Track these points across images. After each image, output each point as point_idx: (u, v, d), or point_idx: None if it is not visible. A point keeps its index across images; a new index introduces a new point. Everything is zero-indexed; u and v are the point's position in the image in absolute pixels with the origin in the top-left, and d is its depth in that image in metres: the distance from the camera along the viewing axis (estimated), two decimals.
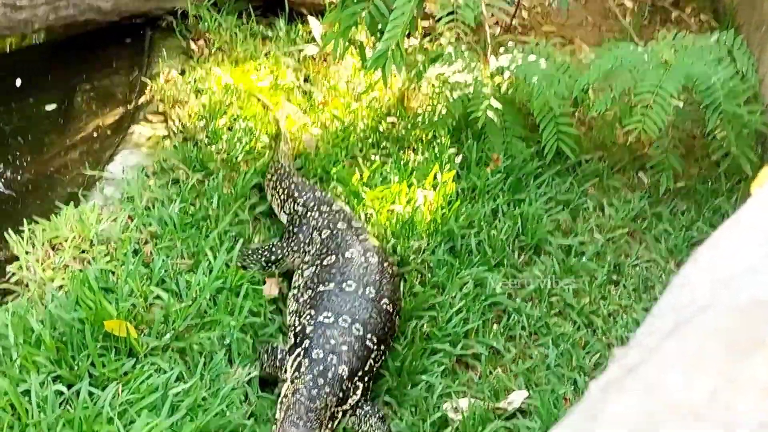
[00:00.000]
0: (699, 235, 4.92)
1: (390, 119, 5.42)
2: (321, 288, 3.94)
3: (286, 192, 4.59)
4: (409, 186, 4.83)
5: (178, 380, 3.67)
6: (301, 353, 3.72)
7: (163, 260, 4.14)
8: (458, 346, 4.15)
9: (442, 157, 5.04)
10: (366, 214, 4.66)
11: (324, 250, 4.15)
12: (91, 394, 3.51)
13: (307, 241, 4.28)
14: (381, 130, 5.33)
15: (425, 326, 4.19)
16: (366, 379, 3.74)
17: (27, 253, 4.25)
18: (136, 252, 4.23)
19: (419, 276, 4.45)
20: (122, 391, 3.52)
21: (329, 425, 3.56)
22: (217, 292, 4.04)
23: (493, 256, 4.56)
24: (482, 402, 3.93)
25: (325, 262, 4.07)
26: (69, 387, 3.55)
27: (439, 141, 5.20)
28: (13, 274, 4.20)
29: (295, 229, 4.36)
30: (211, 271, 4.10)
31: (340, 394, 3.62)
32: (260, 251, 4.32)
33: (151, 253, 4.25)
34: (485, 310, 4.34)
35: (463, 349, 4.16)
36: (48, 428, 3.34)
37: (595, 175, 5.26)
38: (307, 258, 4.20)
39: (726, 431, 0.78)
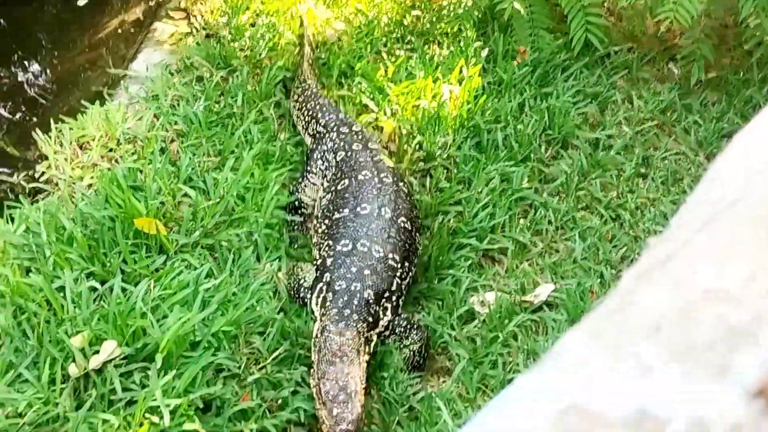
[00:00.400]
0: (730, 126, 4.87)
1: (414, 12, 5.34)
2: (336, 215, 3.87)
3: (310, 113, 4.48)
4: (435, 81, 4.78)
5: (208, 276, 3.71)
6: (324, 288, 3.67)
7: (190, 158, 4.15)
8: (485, 240, 4.17)
9: (468, 50, 4.98)
10: (391, 110, 4.63)
11: (338, 174, 4.07)
12: (123, 290, 3.57)
13: (323, 165, 4.20)
14: (405, 23, 5.25)
15: (452, 221, 4.20)
16: (394, 298, 3.69)
17: (55, 152, 4.27)
18: (162, 150, 4.24)
19: (445, 171, 4.45)
20: (154, 287, 3.57)
21: (366, 350, 3.53)
22: (244, 190, 4.06)
23: (520, 150, 4.54)
24: (508, 295, 3.96)
25: (339, 187, 3.99)
26: (102, 283, 3.60)
27: (464, 34, 5.12)
28: (43, 173, 4.24)
29: (314, 153, 4.28)
30: (237, 169, 4.11)
31: (370, 319, 3.58)
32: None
33: (177, 151, 4.27)
34: (511, 204, 4.34)
35: (489, 244, 4.18)
36: (83, 323, 3.40)
37: (624, 66, 5.18)
38: (325, 184, 4.12)
39: (761, 317, 0.77)
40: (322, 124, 4.37)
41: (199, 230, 3.85)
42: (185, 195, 4.00)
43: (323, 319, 3.56)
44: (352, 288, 3.60)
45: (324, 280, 3.68)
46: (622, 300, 0.83)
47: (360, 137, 4.23)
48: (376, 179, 3.95)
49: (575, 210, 4.39)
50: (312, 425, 3.50)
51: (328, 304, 3.59)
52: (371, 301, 3.59)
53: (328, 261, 3.72)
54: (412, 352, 3.65)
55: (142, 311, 3.45)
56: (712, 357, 0.75)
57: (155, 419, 3.21)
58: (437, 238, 4.08)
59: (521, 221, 4.33)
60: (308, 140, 4.45)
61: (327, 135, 4.28)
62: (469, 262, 4.08)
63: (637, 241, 4.26)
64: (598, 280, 4.06)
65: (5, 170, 4.33)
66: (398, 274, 3.72)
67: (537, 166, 4.56)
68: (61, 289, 3.51)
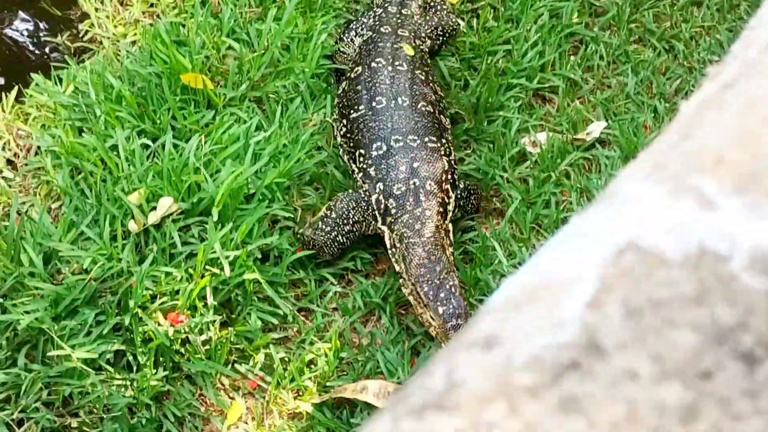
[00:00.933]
0: None
1: None
2: (353, 114, 3.64)
3: None
4: None
5: (257, 129, 3.72)
6: (381, 198, 3.47)
7: (231, 10, 4.09)
8: (534, 79, 4.10)
9: None
10: None
11: (357, 58, 3.85)
12: (175, 146, 3.59)
13: (358, 35, 4.01)
14: None
15: (500, 62, 4.13)
16: (449, 177, 3.53)
17: (97, 9, 4.24)
18: (203, 3, 4.18)
19: (492, 10, 4.34)
20: (205, 141, 3.59)
21: (448, 241, 3.40)
22: (288, 40, 4.01)
23: None
24: (560, 134, 3.92)
25: (353, 75, 3.77)
26: (153, 140, 3.63)
27: None
28: (86, 32, 4.22)
29: (353, 23, 4.09)
30: (280, 19, 4.05)
31: (441, 209, 3.43)
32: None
33: (218, 3, 4.20)
34: (561, 41, 4.24)
35: (539, 83, 4.11)
36: (139, 180, 3.45)
37: None
38: (351, 65, 3.92)
39: None
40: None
41: (245, 83, 3.83)
42: (229, 48, 3.96)
43: (395, 227, 3.39)
44: (411, 186, 3.43)
45: (377, 190, 3.48)
46: (681, 132, 0.80)
47: (398, 20, 3.96)
48: (390, 67, 3.71)
49: (627, 43, 4.28)
50: (368, 272, 3.56)
51: (394, 211, 3.42)
52: (435, 191, 3.43)
53: (371, 171, 3.51)
54: (471, 207, 3.65)
55: (195, 166, 3.48)
56: None
57: (216, 270, 3.28)
58: (485, 79, 4.02)
59: (572, 58, 4.24)
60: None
61: (373, 10, 4.08)
62: (519, 102, 4.03)
63: (692, 72, 4.17)
64: (652, 114, 3.99)
65: (48, 31, 4.31)
66: (442, 152, 3.55)
67: (587, 0, 4.42)
68: (114, 147, 3.55)
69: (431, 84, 3.75)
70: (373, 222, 3.49)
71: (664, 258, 0.70)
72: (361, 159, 3.55)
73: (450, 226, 3.47)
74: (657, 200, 0.74)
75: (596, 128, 3.92)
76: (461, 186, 3.57)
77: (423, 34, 3.97)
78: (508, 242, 3.58)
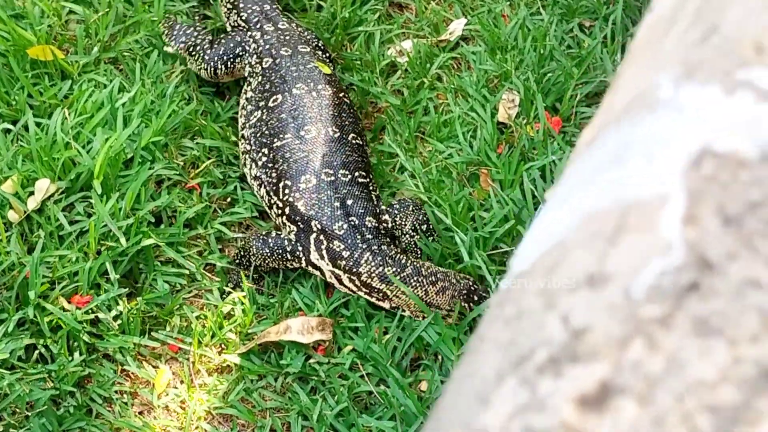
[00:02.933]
0: None
1: None
2: (277, 143, 3.32)
3: (233, 0, 3.80)
4: None
5: (120, 91, 3.57)
6: (322, 239, 3.21)
7: None
8: None
9: None
10: None
11: (267, 86, 3.47)
12: (38, 124, 3.42)
13: (241, 64, 3.65)
14: None
15: None
16: (380, 210, 3.29)
17: None
18: None
19: None
20: (69, 114, 3.43)
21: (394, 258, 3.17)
22: None
23: None
24: (424, 39, 3.91)
25: (271, 104, 3.41)
26: (14, 123, 3.44)
27: None
28: None
29: (231, 42, 3.68)
30: None
31: (388, 239, 3.24)
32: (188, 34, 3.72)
33: None
34: None
35: None
36: (8, 167, 3.28)
37: None
38: (249, 93, 3.53)
39: None
40: (243, 18, 3.72)
41: (96, 46, 3.65)
42: (71, 12, 3.76)
43: (342, 265, 3.17)
44: (351, 223, 3.19)
45: (313, 228, 3.22)
46: (699, 26, 0.79)
47: (288, 38, 3.61)
48: (314, 93, 3.40)
49: None
50: (266, 216, 3.50)
51: (344, 254, 3.16)
52: (373, 225, 3.21)
53: (300, 207, 3.23)
54: (426, 231, 3.34)
55: (65, 142, 3.33)
56: None
57: (111, 244, 3.18)
58: None
59: None
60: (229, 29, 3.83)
61: (249, 32, 3.65)
62: (378, 14, 3.99)
63: None
64: (507, 3, 4.02)
65: None
66: (371, 187, 3.33)
67: None
68: None
69: (353, 108, 3.50)
70: (297, 262, 3.26)
71: (742, 159, 0.70)
72: (288, 191, 3.26)
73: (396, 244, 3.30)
74: (713, 102, 0.73)
75: (457, 26, 3.92)
76: (387, 208, 3.32)
77: (318, 46, 3.68)
78: (396, 155, 3.58)
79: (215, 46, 3.64)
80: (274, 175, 3.31)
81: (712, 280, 0.65)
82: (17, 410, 3.00)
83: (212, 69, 3.62)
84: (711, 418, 0.58)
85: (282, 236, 3.25)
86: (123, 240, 3.16)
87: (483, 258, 3.17)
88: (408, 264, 3.12)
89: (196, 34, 3.70)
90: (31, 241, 3.21)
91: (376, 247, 3.15)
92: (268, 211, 3.40)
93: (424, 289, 3.09)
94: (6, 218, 3.21)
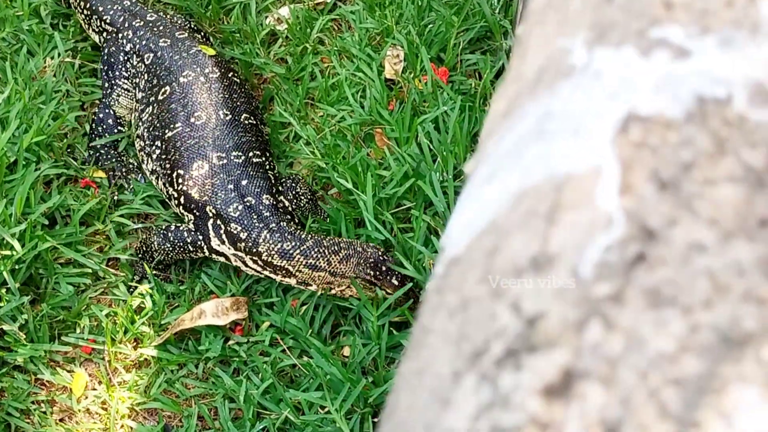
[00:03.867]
0: None
1: None
2: (168, 133, 3.23)
3: (89, 6, 3.60)
4: None
5: None
6: (219, 222, 3.13)
7: None
8: None
9: None
10: None
11: (154, 81, 3.34)
12: None
13: (129, 71, 3.46)
14: None
15: None
16: (278, 189, 3.23)
17: None
18: None
19: None
20: None
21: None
22: None
23: None
24: (302, 4, 3.85)
25: (160, 97, 3.30)
26: None
27: None
28: None
29: (117, 56, 3.47)
30: None
31: (288, 217, 3.16)
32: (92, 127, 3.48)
33: None
34: None
35: None
36: None
37: None
38: (138, 94, 3.42)
39: None
40: (107, 21, 3.54)
41: None
42: None
43: (254, 249, 3.08)
44: (247, 203, 3.11)
45: (209, 214, 3.14)
46: None
47: (162, 28, 3.47)
48: (202, 78, 3.29)
49: None
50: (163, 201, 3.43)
51: (242, 235, 3.08)
52: (270, 202, 3.13)
53: (194, 194, 3.14)
54: (310, 203, 3.31)
55: None
56: (738, 12, 0.71)
57: (6, 252, 3.07)
58: None
59: None
60: (96, 38, 3.63)
61: (119, 34, 3.48)
62: None
63: None
64: None
65: None
66: (267, 166, 3.25)
67: None
68: None
69: (245, 87, 3.42)
70: (201, 252, 3.18)
71: (667, 120, 0.69)
72: (181, 181, 3.17)
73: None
74: (630, 63, 0.72)
75: None
76: (287, 194, 3.26)
77: (192, 28, 3.58)
78: (288, 124, 3.54)
79: (107, 75, 3.48)
80: (168, 166, 3.23)
81: (657, 249, 0.64)
82: None
83: (117, 97, 3.47)
84: (677, 391, 0.57)
85: (181, 228, 3.17)
86: (18, 246, 3.06)
87: (388, 218, 3.16)
88: (308, 238, 3.06)
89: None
90: None
91: (274, 225, 3.08)
92: (168, 202, 3.32)
93: (326, 259, 3.03)
94: None
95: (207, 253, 3.19)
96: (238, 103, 3.30)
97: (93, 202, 3.28)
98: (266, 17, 3.82)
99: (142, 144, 3.35)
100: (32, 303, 3.12)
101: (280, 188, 3.25)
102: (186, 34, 3.46)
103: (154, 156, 3.29)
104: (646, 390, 0.57)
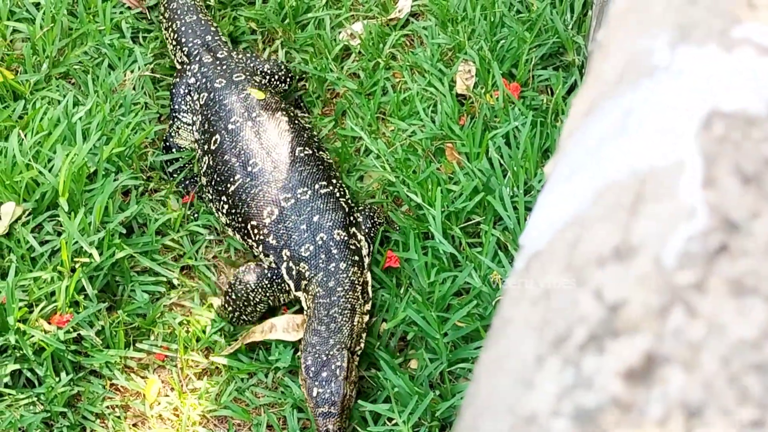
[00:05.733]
0: None
1: None
2: (231, 188, 3.19)
3: (175, 35, 3.62)
4: None
5: (75, 105, 3.52)
6: (292, 265, 3.07)
7: None
8: None
9: None
10: None
11: (206, 126, 3.31)
12: None
13: (188, 105, 3.45)
14: None
15: None
16: (352, 219, 3.16)
17: None
18: None
19: None
20: (25, 134, 3.38)
21: (362, 300, 3.05)
22: (72, 4, 3.79)
23: None
24: (374, 19, 3.90)
25: (213, 147, 3.26)
26: None
27: None
28: None
29: (179, 88, 3.46)
30: None
31: (356, 258, 3.08)
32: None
33: None
34: None
35: None
36: None
37: None
38: (196, 135, 3.40)
39: None
40: (185, 52, 3.54)
41: (45, 62, 3.60)
42: (15, 31, 3.71)
43: (309, 288, 3.01)
44: (320, 242, 3.05)
45: (284, 258, 3.10)
46: None
47: (225, 68, 3.43)
48: (250, 122, 3.24)
49: None
50: None
51: (308, 274, 3.03)
52: (345, 238, 3.07)
53: (271, 240, 3.11)
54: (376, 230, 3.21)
55: (25, 163, 3.29)
56: None
57: (85, 260, 3.14)
58: None
59: None
60: (178, 67, 3.65)
61: (189, 67, 3.46)
62: (324, 0, 3.97)
63: None
64: None
65: None
66: (337, 194, 3.17)
67: None
68: None
69: (297, 120, 3.33)
70: (284, 294, 3.15)
71: (751, 116, 0.70)
72: (256, 231, 3.15)
73: (369, 277, 3.11)
74: (713, 62, 0.74)
75: (405, 3, 3.91)
76: (366, 223, 3.19)
77: (259, 70, 3.52)
78: (360, 138, 3.58)
79: (171, 105, 3.48)
80: (240, 219, 3.19)
81: (740, 241, 0.65)
82: None
83: (177, 130, 3.47)
84: (759, 377, 0.58)
85: (263, 270, 3.11)
86: (96, 255, 3.13)
87: (456, 232, 3.18)
88: (337, 330, 2.92)
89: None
90: (3, 267, 3.17)
91: (334, 267, 3.01)
92: (250, 250, 3.28)
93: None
94: None
95: (281, 298, 3.17)
96: (290, 139, 3.23)
97: (172, 214, 3.35)
98: (340, 32, 3.88)
99: (209, 197, 3.32)
100: (109, 310, 3.19)
101: (357, 218, 3.19)
102: (243, 77, 3.40)
103: (224, 210, 3.25)
104: (727, 375, 0.58)
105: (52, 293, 3.11)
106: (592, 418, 0.57)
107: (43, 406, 3.01)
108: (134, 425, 3.08)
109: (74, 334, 3.09)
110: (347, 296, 2.98)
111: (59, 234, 3.21)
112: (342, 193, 3.21)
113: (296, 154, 3.20)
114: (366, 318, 3.03)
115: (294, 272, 3.08)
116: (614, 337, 0.62)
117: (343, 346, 2.91)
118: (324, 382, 2.84)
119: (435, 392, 2.93)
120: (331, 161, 3.35)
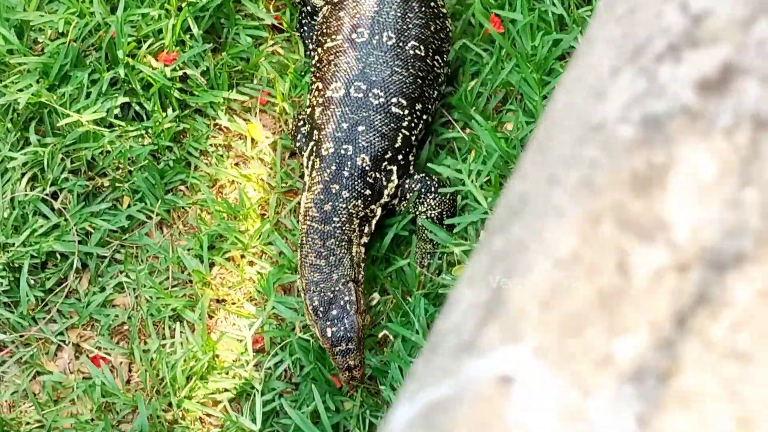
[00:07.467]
0: None
1: None
2: (328, 43, 2.88)
3: None
4: None
5: None
6: (313, 150, 2.84)
7: None
8: None
9: None
10: None
11: None
12: None
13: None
14: None
15: None
16: (401, 157, 2.85)
17: None
18: None
19: None
20: None
21: (364, 231, 2.83)
22: None
23: None
24: None
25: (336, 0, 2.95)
26: None
27: None
28: None
29: None
30: None
31: (367, 192, 2.80)
32: None
33: None
34: None
35: None
36: None
37: None
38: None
39: None
40: None
41: None
42: None
43: (308, 194, 2.80)
44: (342, 152, 2.78)
45: (313, 138, 2.85)
46: None
47: None
48: None
49: None
50: None
51: (314, 174, 2.80)
52: (367, 168, 2.79)
53: (317, 111, 2.85)
54: (429, 220, 2.84)
55: None
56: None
57: None
58: None
59: None
60: None
61: None
62: None
63: None
64: None
65: None
66: (404, 124, 2.83)
67: None
68: None
69: (429, 9, 2.92)
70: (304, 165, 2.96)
71: None
72: (316, 93, 2.89)
73: (378, 212, 2.86)
74: None
75: None
76: (417, 176, 2.87)
77: None
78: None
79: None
80: (317, 75, 2.92)
81: None
82: (120, 166, 3.12)
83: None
84: None
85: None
86: None
87: None
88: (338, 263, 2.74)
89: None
90: (113, 1, 3.22)
91: (321, 222, 2.77)
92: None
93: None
94: None
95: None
96: (409, 27, 2.87)
97: None
98: None
99: (312, 47, 3.07)
100: (213, 51, 3.23)
101: (410, 164, 2.89)
102: None
103: (313, 61, 3.00)
104: None
105: (159, 31, 3.16)
106: (659, 124, 0.57)
107: (150, 139, 3.13)
108: (236, 164, 3.19)
109: (180, 73, 3.15)
110: (344, 227, 2.76)
111: None
112: (412, 128, 2.88)
113: (406, 48, 2.88)
114: (361, 253, 2.81)
115: (310, 162, 2.86)
116: (694, 47, 0.61)
117: (349, 276, 2.74)
118: (336, 320, 2.66)
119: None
120: (438, 80, 2.97)
